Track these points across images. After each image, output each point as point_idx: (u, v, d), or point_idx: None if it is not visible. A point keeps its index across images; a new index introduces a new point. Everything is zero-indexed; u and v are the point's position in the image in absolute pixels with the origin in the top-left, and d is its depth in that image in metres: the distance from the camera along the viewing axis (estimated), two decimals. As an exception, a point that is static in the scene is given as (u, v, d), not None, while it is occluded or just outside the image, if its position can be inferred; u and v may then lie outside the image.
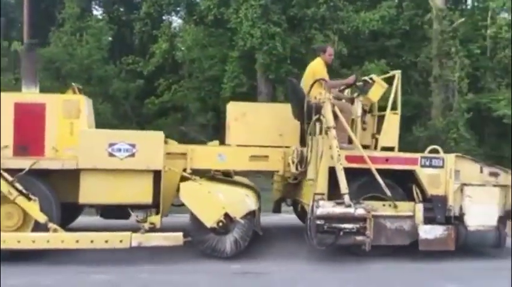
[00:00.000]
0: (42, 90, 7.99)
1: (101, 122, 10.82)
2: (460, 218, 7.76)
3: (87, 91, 8.18)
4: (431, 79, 20.73)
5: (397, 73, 8.24)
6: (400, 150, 8.24)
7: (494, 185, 7.93)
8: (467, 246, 7.79)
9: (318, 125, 7.68)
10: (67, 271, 6.69)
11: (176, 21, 27.06)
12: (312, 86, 7.93)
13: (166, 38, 22.77)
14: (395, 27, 22.42)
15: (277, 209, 9.29)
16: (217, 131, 21.19)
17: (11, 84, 17.01)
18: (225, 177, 8.35)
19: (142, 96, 22.97)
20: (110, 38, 23.71)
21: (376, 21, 20.87)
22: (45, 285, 6.18)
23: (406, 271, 7.23)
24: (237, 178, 8.64)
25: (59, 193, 7.33)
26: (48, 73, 19.21)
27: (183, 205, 7.92)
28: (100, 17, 25.04)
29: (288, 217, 9.90)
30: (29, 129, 7.36)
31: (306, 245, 7.43)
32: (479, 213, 7.75)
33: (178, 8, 25.85)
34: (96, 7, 27.39)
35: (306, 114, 7.63)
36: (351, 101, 8.42)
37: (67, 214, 7.80)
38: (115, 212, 7.83)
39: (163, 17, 25.54)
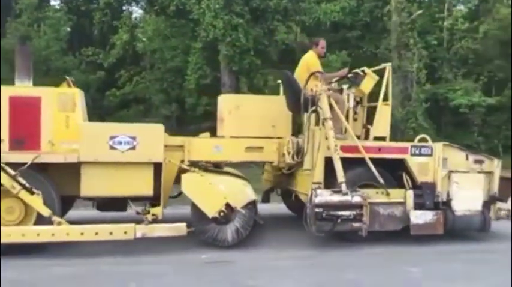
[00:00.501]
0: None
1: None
2: (447, 203, 8.08)
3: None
4: (391, 70, 21.12)
5: (388, 66, 8.42)
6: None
7: (479, 172, 8.29)
8: (454, 230, 8.09)
9: (314, 116, 7.82)
10: (29, 264, 6.52)
11: (137, 11, 26.75)
12: (308, 78, 8.05)
13: (126, 29, 22.48)
14: (356, 18, 22.90)
15: (266, 199, 9.44)
16: (180, 123, 21.16)
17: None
18: (216, 168, 8.38)
19: (103, 88, 22.63)
20: (69, 29, 23.22)
21: (336, 12, 21.18)
22: (7, 279, 5.95)
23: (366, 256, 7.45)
24: (226, 169, 8.68)
25: (57, 187, 7.23)
26: (4, 65, 18.66)
27: (177, 196, 8.08)
28: (58, 8, 24.51)
29: (276, 206, 10.03)
30: (25, 123, 7.20)
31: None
32: (466, 198, 8.08)
33: (139, -2, 25.57)
34: (54, -3, 26.78)
35: (303, 106, 7.77)
36: (339, 92, 8.60)
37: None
38: (112, 204, 7.83)
39: (124, 7, 25.19)
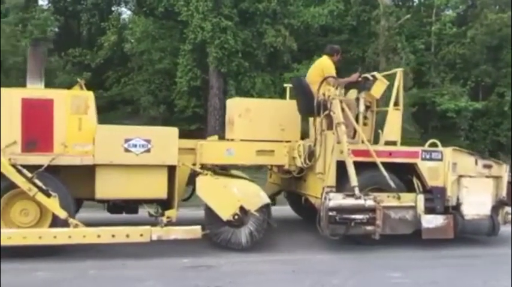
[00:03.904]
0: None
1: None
2: (457, 207, 8.21)
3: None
4: (378, 74, 21.17)
5: (399, 71, 8.66)
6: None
7: (487, 177, 8.42)
8: (464, 234, 8.22)
9: (326, 120, 7.92)
10: (14, 268, 6.39)
11: (125, 12, 26.55)
12: (321, 83, 8.12)
13: (114, 30, 22.32)
14: (344, 22, 22.93)
15: (272, 202, 9.39)
16: (166, 125, 20.96)
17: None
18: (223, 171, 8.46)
19: (90, 89, 22.32)
20: (57, 29, 22.98)
21: (324, 16, 21.24)
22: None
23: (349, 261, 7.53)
24: (233, 172, 8.80)
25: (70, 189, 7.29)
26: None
27: (188, 198, 8.35)
28: (45, 8, 24.15)
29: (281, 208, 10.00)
30: (37, 125, 7.18)
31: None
32: (475, 203, 8.23)
33: (127, -1, 25.42)
34: (42, -3, 26.38)
35: (316, 110, 7.86)
36: (355, 100, 8.70)
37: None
38: (125, 207, 7.96)
39: (112, 8, 25.01)
